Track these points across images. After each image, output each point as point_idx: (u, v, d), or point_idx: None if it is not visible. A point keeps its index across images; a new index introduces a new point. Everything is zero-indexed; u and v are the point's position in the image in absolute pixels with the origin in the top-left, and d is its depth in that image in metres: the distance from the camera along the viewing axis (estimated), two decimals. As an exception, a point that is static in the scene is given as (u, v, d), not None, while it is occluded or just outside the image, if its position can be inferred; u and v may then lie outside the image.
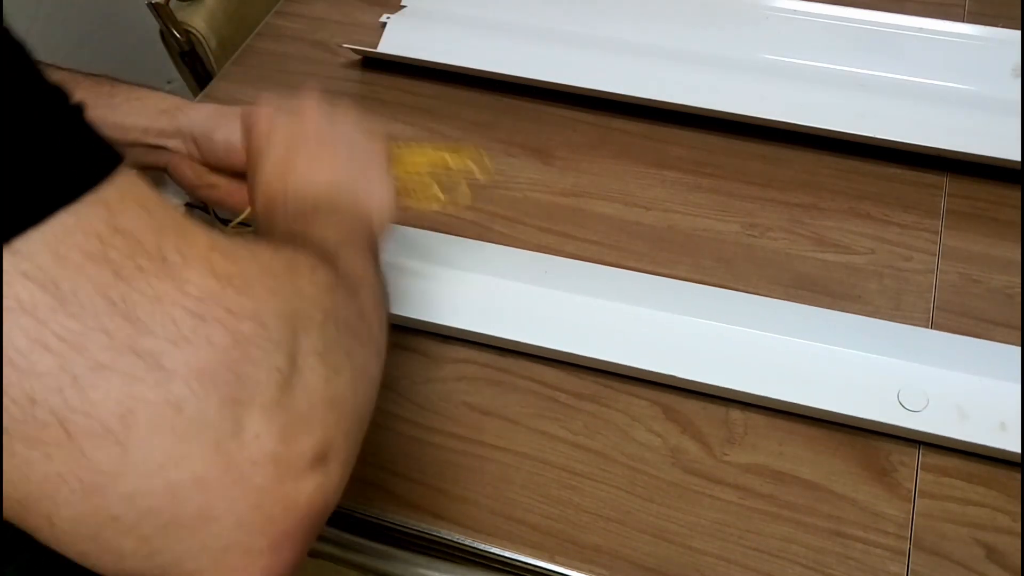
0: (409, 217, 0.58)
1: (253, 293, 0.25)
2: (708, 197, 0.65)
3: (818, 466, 0.51)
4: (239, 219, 0.55)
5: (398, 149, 0.51)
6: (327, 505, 0.26)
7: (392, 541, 0.49)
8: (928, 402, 0.51)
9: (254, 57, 0.80)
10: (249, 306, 0.25)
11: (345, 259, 0.33)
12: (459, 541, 0.50)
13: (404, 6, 0.81)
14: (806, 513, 0.49)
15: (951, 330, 0.56)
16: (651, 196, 0.66)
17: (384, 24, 0.78)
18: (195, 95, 0.81)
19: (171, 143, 0.53)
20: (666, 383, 0.54)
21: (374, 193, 0.43)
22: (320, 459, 0.25)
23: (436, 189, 0.50)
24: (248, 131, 0.46)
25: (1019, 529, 0.48)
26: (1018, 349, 0.53)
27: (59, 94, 0.23)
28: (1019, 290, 0.58)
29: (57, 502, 0.22)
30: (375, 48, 0.76)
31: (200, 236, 0.25)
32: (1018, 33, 0.72)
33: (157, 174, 0.55)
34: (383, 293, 0.36)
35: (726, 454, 0.52)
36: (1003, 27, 0.73)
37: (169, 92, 0.55)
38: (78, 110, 0.24)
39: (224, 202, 0.55)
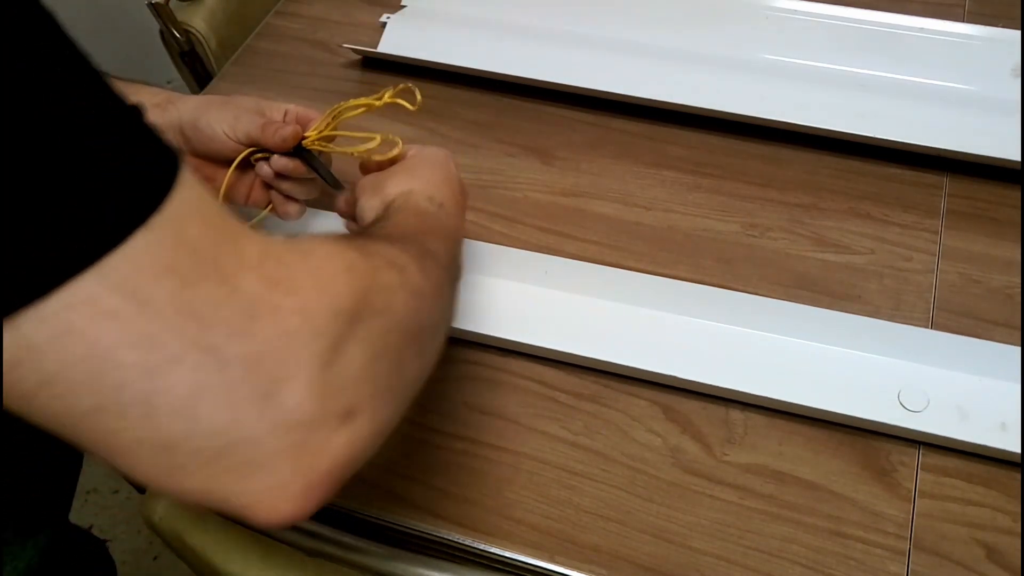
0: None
1: (300, 292, 0.29)
2: (708, 197, 0.65)
3: (818, 466, 0.51)
4: (255, 221, 0.55)
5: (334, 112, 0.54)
6: (352, 460, 0.30)
7: (392, 541, 0.49)
8: (928, 402, 0.51)
9: (254, 57, 0.80)
10: (295, 303, 0.29)
11: (435, 275, 0.39)
12: (459, 541, 0.50)
13: (404, 6, 0.81)
14: (806, 513, 0.49)
15: (951, 330, 0.56)
16: (651, 196, 0.66)
17: (384, 24, 0.78)
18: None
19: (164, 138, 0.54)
20: (666, 383, 0.54)
21: (462, 222, 0.50)
22: (348, 420, 0.30)
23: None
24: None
25: (1019, 529, 0.48)
26: (1018, 349, 0.53)
27: (120, 102, 0.27)
28: (1019, 290, 0.58)
29: (138, 458, 0.27)
30: (375, 48, 0.76)
31: (252, 243, 0.29)
32: (1018, 33, 0.72)
33: None
34: (452, 310, 0.42)
35: (726, 454, 0.52)
36: (1003, 27, 0.73)
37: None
38: (138, 114, 0.27)
39: (225, 196, 0.55)
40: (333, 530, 0.46)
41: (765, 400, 0.52)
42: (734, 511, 0.49)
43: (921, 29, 0.73)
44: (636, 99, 0.70)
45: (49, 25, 0.25)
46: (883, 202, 0.64)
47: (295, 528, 0.47)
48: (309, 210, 0.59)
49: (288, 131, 0.53)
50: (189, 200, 0.27)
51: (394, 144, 0.52)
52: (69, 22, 0.26)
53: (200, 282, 0.27)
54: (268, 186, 0.57)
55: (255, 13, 0.84)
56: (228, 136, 0.54)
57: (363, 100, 0.54)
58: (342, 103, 0.54)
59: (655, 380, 0.54)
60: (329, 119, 0.54)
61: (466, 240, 0.61)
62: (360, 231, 0.46)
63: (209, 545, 0.50)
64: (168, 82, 1.07)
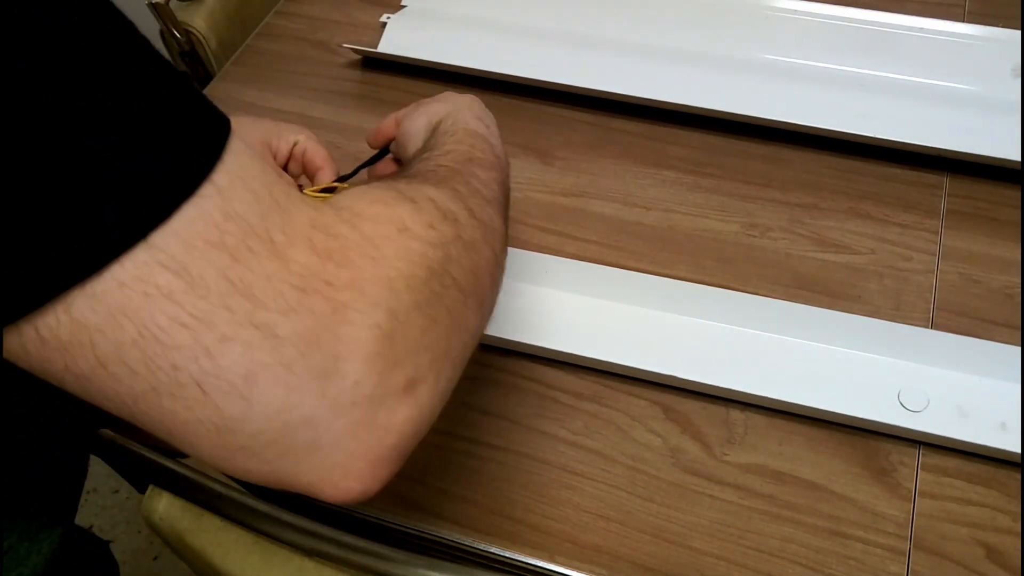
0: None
1: (352, 263, 0.29)
2: (708, 197, 0.65)
3: (818, 466, 0.51)
4: (320, 187, 0.54)
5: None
6: (417, 430, 0.30)
7: (392, 541, 0.49)
8: (928, 402, 0.51)
9: (254, 57, 0.80)
10: (348, 276, 0.28)
11: (485, 215, 0.37)
12: (459, 541, 0.50)
13: (404, 6, 0.81)
14: (806, 513, 0.49)
15: (951, 330, 0.56)
16: (651, 196, 0.66)
17: (384, 24, 0.78)
18: (195, 95, 0.80)
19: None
20: (666, 383, 0.54)
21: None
22: (410, 391, 0.29)
23: None
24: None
25: (1019, 529, 0.48)
26: (1018, 349, 0.53)
27: (170, 68, 0.26)
28: (1019, 290, 0.58)
29: (198, 437, 0.27)
30: (375, 48, 0.76)
31: (301, 214, 0.28)
32: (1018, 33, 0.72)
33: None
34: (504, 247, 0.39)
35: (726, 454, 0.52)
36: (1003, 27, 0.73)
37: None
38: (187, 81, 0.27)
39: None
40: (333, 530, 0.46)
41: (765, 400, 0.52)
42: (734, 511, 0.49)
43: (921, 29, 0.73)
44: (636, 99, 0.70)
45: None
46: (883, 202, 0.64)
47: (295, 528, 0.46)
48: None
49: (325, 176, 0.53)
50: (236, 170, 0.27)
51: None
52: (70, 22, 0.26)
53: (250, 256, 0.26)
54: None
55: (255, 13, 0.84)
56: None
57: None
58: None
59: (655, 380, 0.54)
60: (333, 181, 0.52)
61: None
62: (407, 165, 0.43)
63: (209, 545, 0.50)
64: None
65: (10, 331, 0.25)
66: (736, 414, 0.53)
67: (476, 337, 0.35)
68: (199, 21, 0.82)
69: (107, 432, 0.53)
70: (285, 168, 0.55)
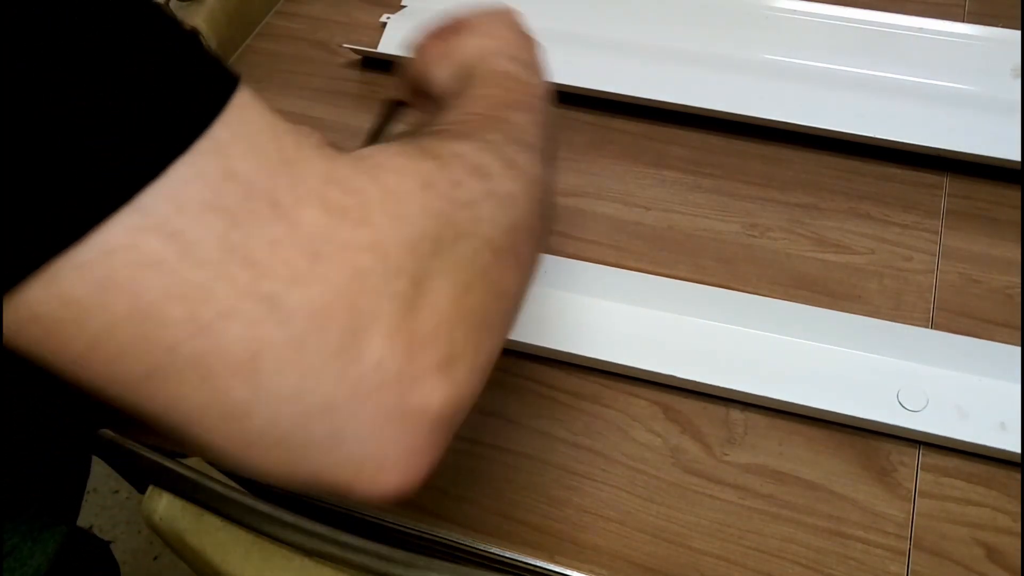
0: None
1: (372, 221, 0.25)
2: (708, 197, 0.65)
3: (818, 466, 0.51)
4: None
5: None
6: (457, 412, 0.27)
7: (392, 541, 0.49)
8: (928, 402, 0.51)
9: (254, 57, 0.80)
10: (367, 237, 0.25)
11: (522, 163, 0.33)
12: (459, 541, 0.50)
13: (404, 6, 0.81)
14: (806, 513, 0.49)
15: (951, 330, 0.56)
16: (651, 196, 0.66)
17: (384, 24, 0.78)
18: (195, 95, 0.80)
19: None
20: (666, 383, 0.54)
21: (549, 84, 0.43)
22: (446, 369, 0.26)
23: None
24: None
25: (1019, 529, 0.48)
26: (1018, 349, 0.53)
27: (167, 19, 0.24)
28: (1019, 290, 0.58)
29: (206, 427, 0.24)
30: (375, 48, 0.76)
31: (314, 168, 0.25)
32: (1018, 33, 0.72)
33: None
34: (550, 194, 0.35)
35: (726, 454, 0.52)
36: (1003, 27, 0.73)
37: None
38: (195, 37, 0.24)
39: None
40: (333, 530, 0.46)
41: (765, 400, 0.52)
42: (734, 511, 0.49)
43: (921, 29, 0.73)
44: (636, 99, 0.70)
45: None
46: (883, 202, 0.64)
47: (295, 528, 0.46)
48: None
49: None
50: (239, 125, 0.24)
51: None
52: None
53: (253, 220, 0.23)
54: None
55: (255, 13, 0.84)
56: None
57: None
58: None
59: (655, 380, 0.54)
60: None
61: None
62: (431, 119, 0.39)
63: (209, 545, 0.50)
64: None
65: (5, 308, 0.23)
66: (736, 414, 0.53)
67: (519, 301, 0.31)
68: (199, 21, 0.82)
69: (107, 432, 0.53)
70: None
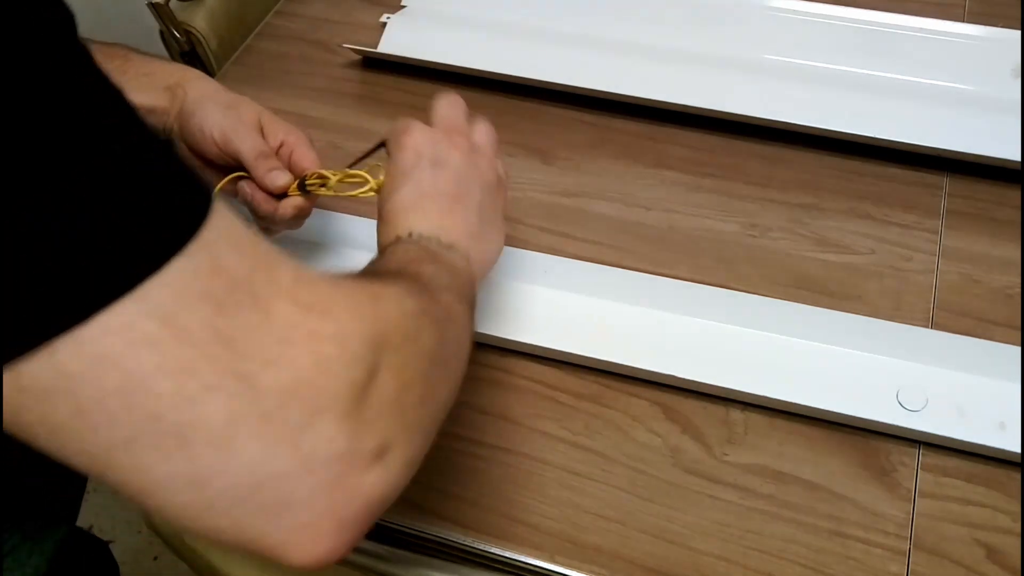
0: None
1: (336, 316, 0.29)
2: (708, 197, 0.65)
3: (818, 466, 0.51)
4: (313, 174, 0.52)
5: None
6: (385, 497, 0.30)
7: (392, 541, 0.49)
8: (928, 402, 0.51)
9: (254, 57, 0.80)
10: (331, 329, 0.29)
11: (444, 300, 0.38)
12: (459, 541, 0.50)
13: (404, 6, 0.81)
14: (806, 513, 0.49)
15: (951, 330, 0.56)
16: (651, 196, 0.66)
17: (384, 24, 0.78)
18: (195, 95, 0.80)
19: (170, 122, 0.52)
20: (666, 383, 0.54)
21: (491, 247, 0.47)
22: (381, 456, 0.29)
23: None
24: (396, 146, 0.47)
25: (1019, 529, 0.48)
26: (1018, 349, 0.53)
27: (155, 136, 0.27)
28: (1019, 290, 0.58)
29: (170, 492, 0.26)
30: (375, 48, 0.76)
31: (285, 270, 0.29)
32: (1018, 33, 0.72)
33: None
34: (469, 335, 0.40)
35: (726, 454, 0.52)
36: (1003, 27, 0.73)
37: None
38: (171, 147, 0.27)
39: None
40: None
41: (765, 400, 0.52)
42: (734, 511, 0.49)
43: (921, 29, 0.73)
44: (637, 99, 0.70)
45: (83, 58, 0.25)
46: (883, 202, 0.64)
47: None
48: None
49: (282, 181, 0.51)
50: (223, 228, 0.27)
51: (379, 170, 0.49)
52: (69, 23, 0.26)
53: (235, 308, 0.26)
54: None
55: (255, 13, 0.84)
56: (216, 144, 0.51)
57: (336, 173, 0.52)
58: (343, 171, 0.52)
59: (655, 380, 0.54)
60: (322, 172, 0.52)
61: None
62: (376, 257, 0.44)
63: (209, 545, 0.50)
64: (168, 82, 1.08)
65: None
66: (736, 414, 0.53)
67: (443, 411, 0.36)
68: (199, 21, 0.82)
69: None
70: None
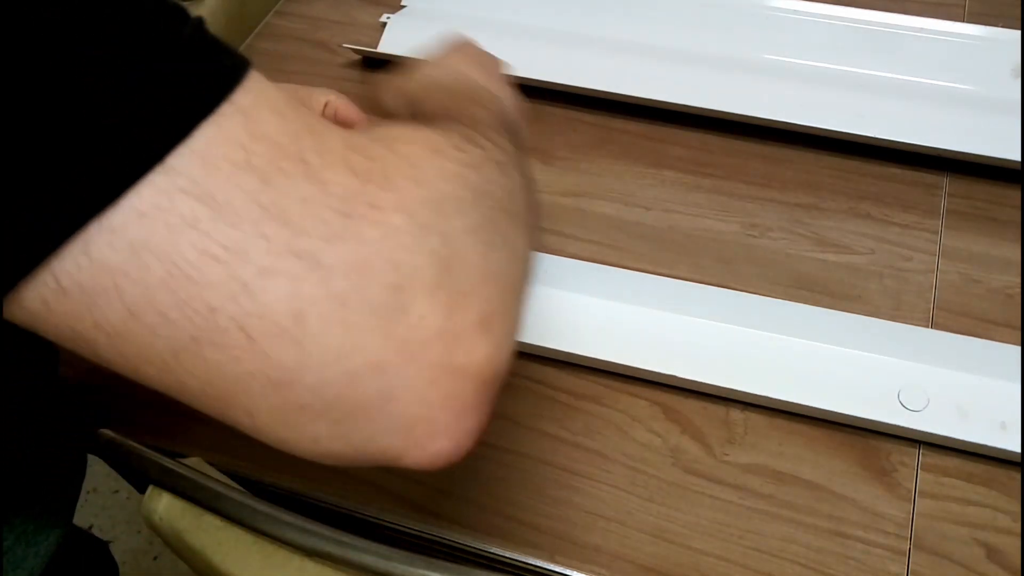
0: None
1: (395, 186, 0.26)
2: (708, 197, 0.65)
3: (818, 466, 0.51)
4: None
5: None
6: (498, 371, 0.27)
7: (392, 541, 0.49)
8: (928, 402, 0.51)
9: (254, 57, 0.79)
10: (393, 199, 0.25)
11: (499, 141, 0.34)
12: (459, 541, 0.50)
13: (404, 6, 0.81)
14: (806, 513, 0.49)
15: (951, 330, 0.56)
16: (651, 196, 0.66)
17: (384, 24, 0.78)
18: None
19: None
20: (666, 383, 0.54)
21: (508, 96, 0.44)
22: (485, 328, 0.26)
23: None
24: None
25: (1019, 529, 0.48)
26: (1018, 349, 0.53)
27: (182, 11, 0.24)
28: (1019, 290, 0.58)
29: (252, 396, 0.24)
30: (375, 48, 0.76)
31: (334, 136, 0.26)
32: (1018, 33, 0.72)
33: None
34: (530, 174, 0.36)
35: (726, 454, 0.52)
36: (1003, 27, 0.73)
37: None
38: (201, 23, 0.25)
39: None
40: (333, 530, 0.46)
41: (765, 400, 0.52)
42: (734, 511, 0.49)
43: (921, 29, 0.73)
44: (636, 99, 0.70)
45: None
46: (883, 202, 0.64)
47: (295, 528, 0.46)
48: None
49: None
50: (259, 92, 0.25)
51: None
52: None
53: (283, 179, 0.23)
54: None
55: (255, 13, 0.84)
56: None
57: None
58: None
59: (655, 380, 0.54)
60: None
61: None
62: (411, 99, 0.41)
63: (209, 545, 0.50)
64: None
65: (27, 286, 0.22)
66: (736, 414, 0.53)
67: (530, 267, 0.32)
68: (199, 21, 0.82)
69: (107, 432, 0.53)
70: None
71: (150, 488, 0.51)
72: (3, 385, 0.40)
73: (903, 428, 0.50)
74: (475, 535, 0.50)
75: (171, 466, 0.51)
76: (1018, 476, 0.50)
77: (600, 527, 0.49)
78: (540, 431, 0.53)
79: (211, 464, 0.53)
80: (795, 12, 0.75)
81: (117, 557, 0.64)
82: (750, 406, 0.53)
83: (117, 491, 1.27)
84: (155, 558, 1.22)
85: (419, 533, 0.50)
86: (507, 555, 0.49)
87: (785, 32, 0.74)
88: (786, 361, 0.53)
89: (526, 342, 0.55)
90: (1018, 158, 0.63)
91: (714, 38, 0.74)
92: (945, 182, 0.65)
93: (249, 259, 0.22)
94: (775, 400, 0.52)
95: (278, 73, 0.78)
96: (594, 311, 0.56)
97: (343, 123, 0.52)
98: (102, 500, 1.26)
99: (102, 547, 0.62)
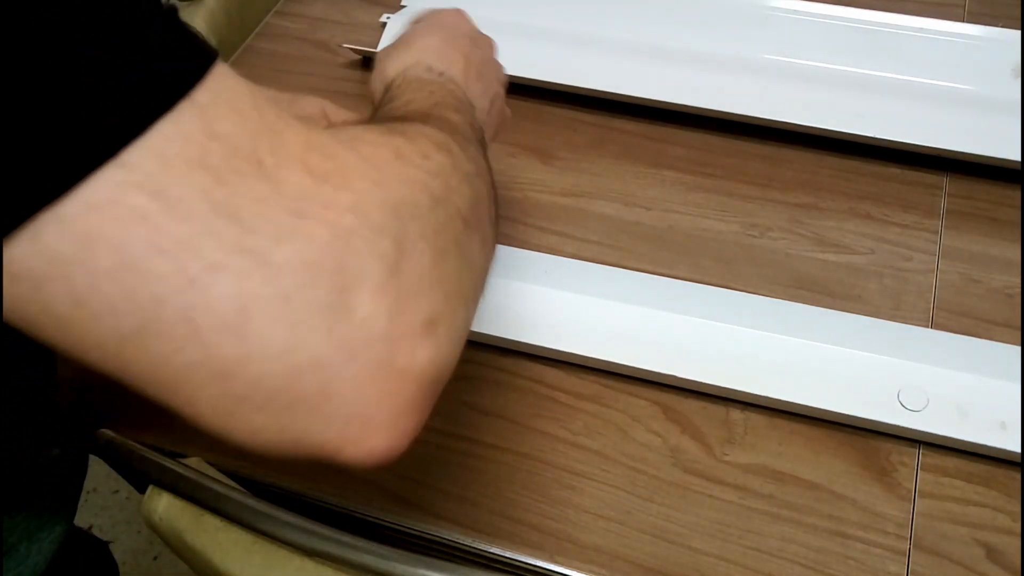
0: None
1: (352, 187, 0.26)
2: (708, 197, 0.65)
3: (818, 466, 0.51)
4: None
5: None
6: (439, 375, 0.27)
7: (392, 541, 0.49)
8: (928, 402, 0.51)
9: (254, 57, 0.80)
10: (348, 200, 0.25)
11: (472, 153, 0.34)
12: (459, 541, 0.50)
13: (404, 6, 0.81)
14: (806, 513, 0.49)
15: (951, 330, 0.56)
16: (651, 196, 0.66)
17: (384, 24, 0.78)
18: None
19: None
20: (666, 383, 0.54)
21: (492, 84, 0.45)
22: (429, 330, 0.26)
23: None
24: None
25: (1019, 529, 0.48)
26: (1018, 349, 0.53)
27: (155, 3, 0.24)
28: (1019, 290, 0.58)
29: (194, 386, 0.24)
30: (375, 48, 0.76)
31: (295, 136, 0.26)
32: (1018, 33, 0.72)
33: None
34: (493, 185, 0.36)
35: (726, 454, 0.52)
36: (1003, 27, 0.73)
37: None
38: (173, 13, 0.25)
39: None
40: (333, 530, 0.46)
41: (765, 400, 0.52)
42: (734, 511, 0.49)
43: (921, 29, 0.73)
44: (637, 99, 0.70)
45: None
46: (883, 202, 0.64)
47: (295, 528, 0.46)
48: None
49: None
50: (222, 90, 0.25)
51: None
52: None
53: (236, 178, 0.24)
54: None
55: (255, 13, 0.84)
56: None
57: None
58: None
59: (655, 380, 0.54)
60: None
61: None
62: (392, 93, 0.41)
63: (209, 545, 0.50)
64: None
65: None
66: (736, 414, 0.53)
67: (483, 277, 0.32)
68: (199, 21, 0.82)
69: (107, 432, 0.53)
70: None
71: (150, 488, 0.51)
72: (3, 383, 0.40)
73: (903, 428, 0.50)
74: (475, 535, 0.50)
75: (171, 466, 0.51)
76: (1018, 476, 0.50)
77: (600, 527, 0.49)
78: (540, 431, 0.53)
79: (211, 464, 0.53)
80: (795, 12, 0.75)
81: (117, 557, 0.64)
82: (750, 406, 0.53)
83: (117, 491, 1.27)
84: (155, 558, 1.22)
85: (419, 533, 0.50)
86: (507, 555, 0.49)
87: (785, 32, 0.74)
88: (786, 361, 0.53)
89: (526, 342, 0.55)
90: (1018, 158, 0.63)
91: (714, 38, 0.74)
92: (945, 182, 0.65)
93: (198, 255, 0.23)
94: (775, 400, 0.52)
95: (278, 73, 0.78)
96: (594, 311, 0.56)
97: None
98: (102, 500, 1.26)
99: (102, 547, 0.62)
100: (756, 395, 0.52)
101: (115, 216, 0.22)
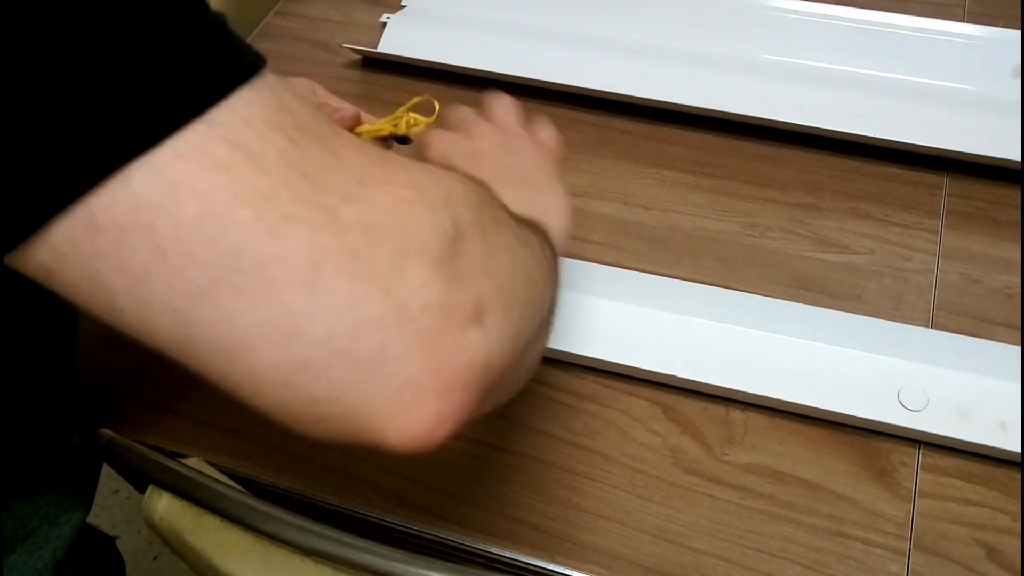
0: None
1: (409, 172, 0.28)
2: (708, 197, 0.65)
3: (818, 466, 0.51)
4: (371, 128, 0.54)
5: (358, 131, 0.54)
6: (489, 365, 0.27)
7: (392, 541, 0.49)
8: (928, 402, 0.51)
9: (254, 57, 0.80)
10: (406, 179, 0.27)
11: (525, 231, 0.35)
12: (459, 541, 0.50)
13: (404, 6, 0.81)
14: (806, 513, 0.49)
15: (951, 330, 0.56)
16: (651, 196, 0.66)
17: (384, 24, 0.78)
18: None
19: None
20: (666, 383, 0.54)
21: (552, 211, 0.45)
22: (478, 317, 0.27)
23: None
24: (422, 154, 0.47)
25: (1019, 529, 0.48)
26: (1018, 349, 0.53)
27: (207, 8, 0.26)
28: (1019, 290, 0.58)
29: (259, 350, 0.24)
30: (375, 48, 0.76)
31: (347, 133, 0.28)
32: (1018, 33, 0.72)
33: None
34: (558, 285, 0.38)
35: (726, 454, 0.52)
36: (1003, 27, 0.73)
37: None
38: (225, 20, 0.27)
39: None
40: (333, 530, 0.46)
41: (765, 400, 0.52)
42: (734, 511, 0.49)
43: (921, 29, 0.73)
44: (636, 99, 0.70)
45: None
46: (883, 202, 0.64)
47: (295, 528, 0.46)
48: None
49: (347, 113, 0.52)
50: (280, 80, 0.27)
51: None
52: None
53: (306, 145, 0.25)
54: None
55: (255, 13, 0.84)
56: None
57: (383, 123, 0.53)
58: (365, 125, 0.54)
59: (655, 380, 0.54)
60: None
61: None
62: None
63: (209, 545, 0.50)
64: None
65: (59, 223, 0.23)
66: (736, 414, 0.53)
67: (544, 297, 0.33)
68: (199, 21, 0.82)
69: (107, 432, 0.53)
70: None
71: (150, 488, 0.51)
72: (23, 364, 0.41)
73: (903, 428, 0.50)
74: (475, 535, 0.50)
75: (171, 466, 0.51)
76: (1018, 476, 0.50)
77: (600, 527, 0.49)
78: (540, 431, 0.53)
79: (211, 464, 0.53)
80: (795, 12, 0.75)
81: (117, 557, 0.64)
82: (750, 406, 0.53)
83: (117, 491, 1.27)
84: (155, 558, 1.22)
85: (419, 533, 0.50)
86: (507, 555, 0.49)
87: (785, 32, 0.74)
88: (786, 361, 0.53)
89: (526, 342, 0.55)
90: (1018, 158, 0.63)
91: (714, 38, 0.74)
92: (945, 182, 0.65)
93: (276, 205, 0.24)
94: (775, 400, 0.52)
95: (278, 73, 0.78)
96: (594, 311, 0.56)
97: (354, 121, 0.55)
98: (102, 500, 1.26)
99: (109, 542, 0.62)
100: (756, 395, 0.52)
101: (201, 164, 0.23)
